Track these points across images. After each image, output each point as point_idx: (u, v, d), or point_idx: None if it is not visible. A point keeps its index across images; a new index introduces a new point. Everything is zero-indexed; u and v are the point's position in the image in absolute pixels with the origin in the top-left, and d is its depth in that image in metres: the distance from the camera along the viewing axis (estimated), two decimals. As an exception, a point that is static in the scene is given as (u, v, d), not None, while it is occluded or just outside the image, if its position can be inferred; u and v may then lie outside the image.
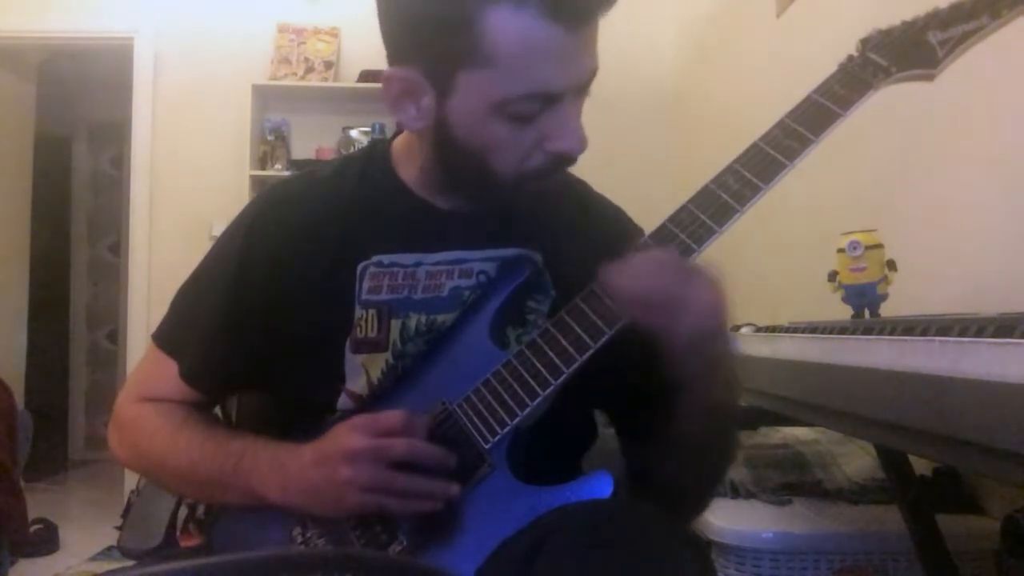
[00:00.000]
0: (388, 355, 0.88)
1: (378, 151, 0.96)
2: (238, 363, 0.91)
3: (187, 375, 0.92)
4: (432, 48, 0.79)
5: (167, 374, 0.93)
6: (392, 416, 0.80)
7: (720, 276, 0.77)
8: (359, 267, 0.88)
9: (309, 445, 0.83)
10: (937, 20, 0.85)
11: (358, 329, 0.87)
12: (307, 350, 0.89)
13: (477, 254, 0.90)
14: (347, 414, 0.88)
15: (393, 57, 0.83)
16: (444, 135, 0.83)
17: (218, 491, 0.88)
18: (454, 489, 0.79)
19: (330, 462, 0.79)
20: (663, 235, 0.80)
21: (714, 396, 0.82)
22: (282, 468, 0.82)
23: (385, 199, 0.92)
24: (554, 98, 0.78)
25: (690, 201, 0.81)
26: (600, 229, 0.94)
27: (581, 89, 0.81)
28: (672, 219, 0.81)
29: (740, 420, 1.43)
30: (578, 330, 0.79)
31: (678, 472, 0.87)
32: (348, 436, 0.80)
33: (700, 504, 0.97)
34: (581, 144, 0.81)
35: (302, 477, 0.81)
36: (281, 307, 0.89)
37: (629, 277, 0.76)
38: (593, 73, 0.81)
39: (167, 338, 0.95)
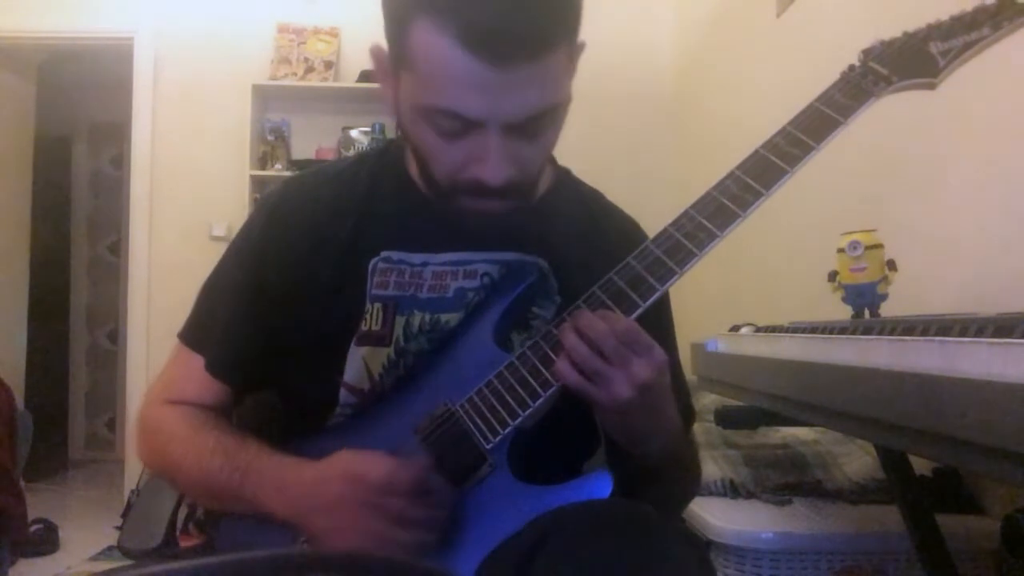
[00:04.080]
0: (391, 351, 0.89)
1: (392, 149, 0.98)
2: (260, 352, 0.92)
3: (211, 367, 0.93)
4: (388, 39, 0.81)
5: (192, 371, 0.93)
6: (401, 480, 0.78)
7: (657, 351, 0.77)
8: (370, 263, 0.90)
9: (311, 465, 0.82)
10: (939, 31, 0.85)
11: (364, 322, 0.89)
12: (315, 341, 0.90)
13: (481, 256, 0.90)
14: (347, 410, 0.89)
15: None
16: (398, 121, 0.86)
17: (231, 504, 0.88)
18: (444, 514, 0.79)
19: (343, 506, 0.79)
20: (665, 239, 0.81)
21: (654, 451, 0.83)
22: (283, 491, 0.82)
23: (396, 197, 0.94)
24: (473, 123, 0.77)
25: (692, 206, 0.82)
26: (611, 240, 0.93)
27: (515, 126, 0.77)
28: (674, 224, 0.81)
29: (744, 422, 1.42)
30: None
31: (645, 482, 0.87)
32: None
33: (676, 507, 0.99)
34: (496, 178, 0.78)
35: (313, 498, 0.81)
36: (296, 298, 0.90)
37: (573, 344, 0.75)
38: (538, 112, 0.77)
39: (191, 334, 0.96)
